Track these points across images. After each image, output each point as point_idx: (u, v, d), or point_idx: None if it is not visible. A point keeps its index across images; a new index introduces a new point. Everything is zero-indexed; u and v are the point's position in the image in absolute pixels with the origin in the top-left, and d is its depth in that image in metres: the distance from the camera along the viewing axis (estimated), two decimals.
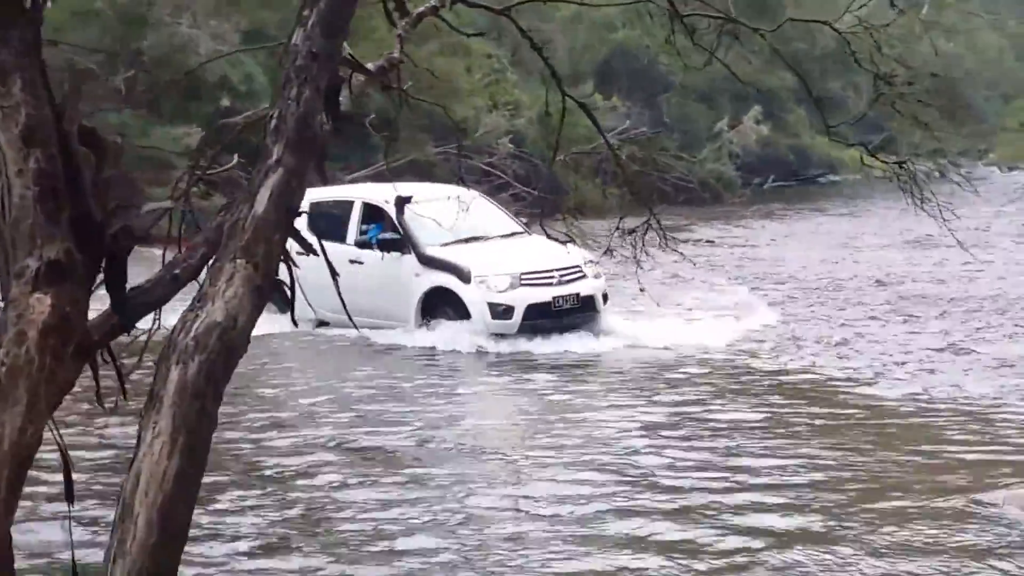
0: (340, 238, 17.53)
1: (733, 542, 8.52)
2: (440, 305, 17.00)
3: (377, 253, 17.32)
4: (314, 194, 18.59)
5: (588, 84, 39.34)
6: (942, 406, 12.88)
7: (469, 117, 33.04)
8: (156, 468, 4.32)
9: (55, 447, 4.71)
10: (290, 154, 4.58)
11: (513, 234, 18.21)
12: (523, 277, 16.72)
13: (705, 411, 12.78)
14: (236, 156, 5.94)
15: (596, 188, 29.90)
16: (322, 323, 17.50)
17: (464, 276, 16.73)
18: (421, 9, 6.07)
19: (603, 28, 44.20)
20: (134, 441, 4.46)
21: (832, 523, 8.91)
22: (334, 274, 5.48)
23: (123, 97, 20.42)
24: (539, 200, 13.98)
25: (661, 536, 8.70)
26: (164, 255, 5.19)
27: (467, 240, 17.36)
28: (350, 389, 14.27)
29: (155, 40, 29.77)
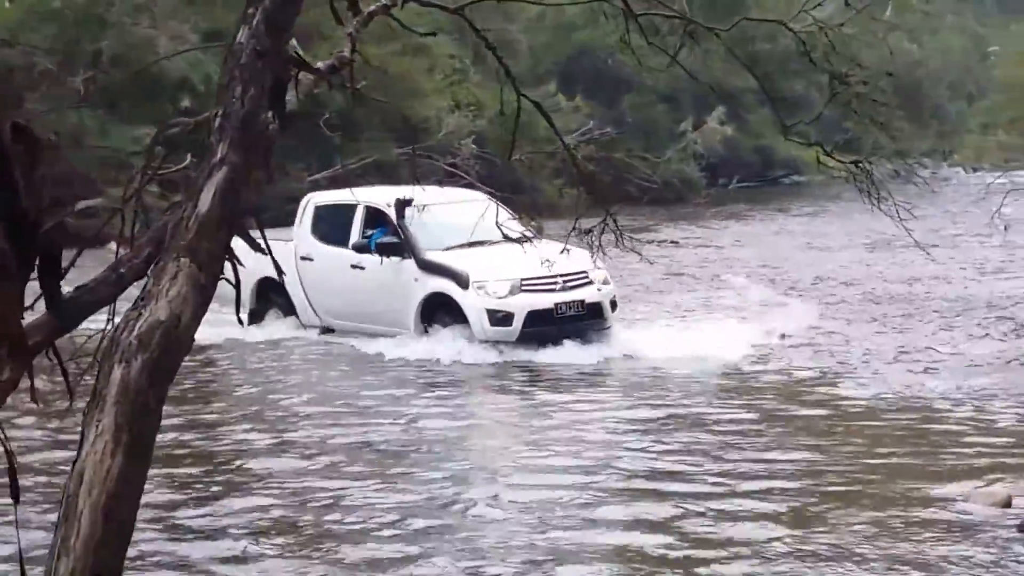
0: (343, 242, 16.83)
1: (716, 551, 8.56)
2: (439, 312, 16.36)
3: (378, 258, 16.59)
4: (318, 198, 18.08)
5: (551, 84, 39.40)
6: (906, 405, 12.99)
7: (431, 117, 32.98)
8: (100, 466, 4.31)
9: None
10: (234, 152, 4.56)
11: (520, 239, 17.56)
12: (524, 283, 15.96)
13: (697, 414, 12.82)
14: (190, 156, 5.89)
15: (556, 189, 29.86)
16: (327, 329, 16.70)
17: (462, 281, 16.04)
18: (372, 8, 6.01)
19: (565, 28, 44.24)
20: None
21: (803, 530, 8.97)
22: (280, 272, 5.45)
23: (82, 97, 20.25)
24: (501, 201, 13.79)
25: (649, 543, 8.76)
26: (117, 255, 5.16)
27: (470, 244, 16.45)
28: (335, 398, 13.81)
29: (114, 40, 29.67)
